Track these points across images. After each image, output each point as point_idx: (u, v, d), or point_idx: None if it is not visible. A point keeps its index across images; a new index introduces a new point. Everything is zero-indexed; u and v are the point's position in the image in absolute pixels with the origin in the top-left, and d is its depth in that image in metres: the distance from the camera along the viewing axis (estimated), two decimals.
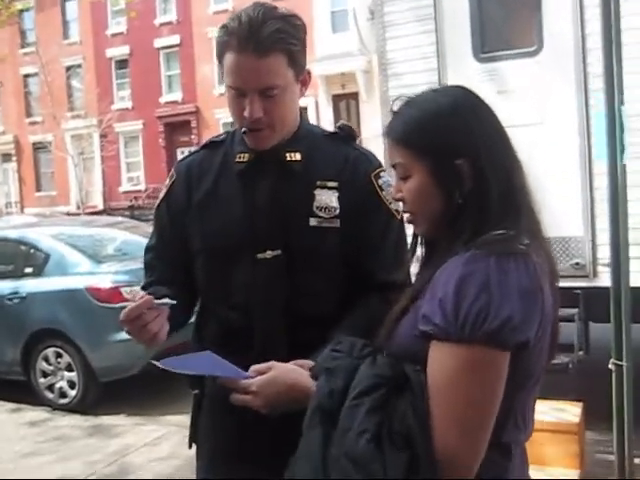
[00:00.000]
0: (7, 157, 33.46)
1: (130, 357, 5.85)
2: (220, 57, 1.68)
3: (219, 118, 27.47)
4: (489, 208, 1.24)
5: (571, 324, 4.38)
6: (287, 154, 1.73)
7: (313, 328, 1.62)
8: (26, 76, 31.87)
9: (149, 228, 9.44)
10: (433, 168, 1.27)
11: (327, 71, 24.72)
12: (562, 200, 4.73)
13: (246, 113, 1.64)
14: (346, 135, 1.83)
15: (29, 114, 32.28)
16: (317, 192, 1.71)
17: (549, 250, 1.30)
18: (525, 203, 1.29)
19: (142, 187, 29.13)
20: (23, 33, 31.64)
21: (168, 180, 1.87)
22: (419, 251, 1.44)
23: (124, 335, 5.89)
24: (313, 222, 1.70)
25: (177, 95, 28.85)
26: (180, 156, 28.73)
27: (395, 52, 5.13)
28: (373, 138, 26.26)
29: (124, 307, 5.69)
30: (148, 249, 1.90)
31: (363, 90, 24.44)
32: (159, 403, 5.94)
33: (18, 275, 6.51)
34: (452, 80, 4.97)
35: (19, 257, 6.75)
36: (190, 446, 1.94)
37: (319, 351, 1.38)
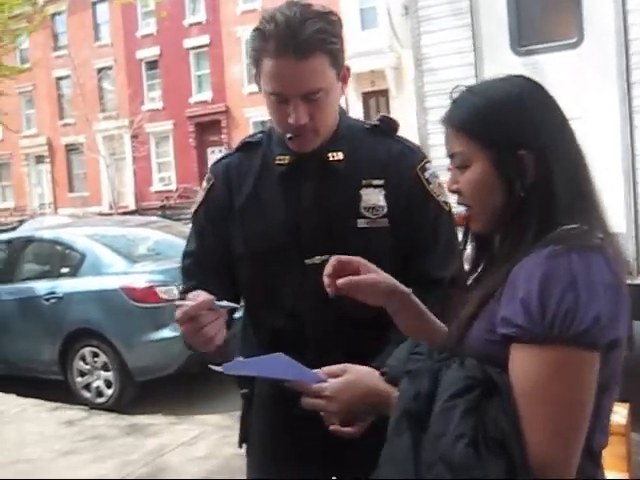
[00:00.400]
0: (40, 159, 33.94)
1: (166, 356, 5.87)
2: (256, 63, 1.60)
3: (249, 117, 27.57)
4: (555, 202, 1.18)
5: None
6: (329, 154, 1.66)
7: (366, 331, 1.57)
8: (59, 79, 32.30)
9: (182, 227, 9.51)
10: (495, 158, 1.21)
11: (357, 68, 24.60)
12: (604, 196, 4.63)
13: (291, 120, 1.56)
14: (387, 128, 1.74)
15: (62, 116, 32.71)
16: (363, 192, 1.65)
17: (618, 245, 1.24)
18: (593, 197, 1.23)
19: (173, 187, 29.35)
20: (55, 36, 32.05)
21: (205, 183, 1.80)
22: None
23: (160, 334, 5.94)
24: (361, 223, 1.64)
25: (207, 95, 29.00)
26: (211, 156, 28.97)
27: (430, 47, 5.06)
28: (404, 134, 26.39)
29: (159, 307, 5.70)
30: (187, 254, 1.84)
31: (393, 87, 24.33)
32: (195, 402, 5.94)
33: (54, 275, 6.57)
34: (489, 74, 4.89)
35: (55, 257, 6.82)
36: (240, 445, 1.90)
37: (381, 354, 1.33)
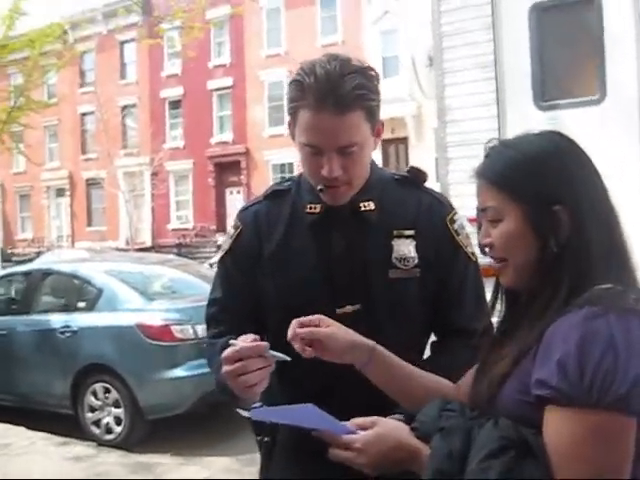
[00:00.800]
0: (61, 192, 34.33)
1: (178, 396, 5.85)
2: (293, 113, 1.60)
3: (268, 160, 27.83)
4: (589, 260, 1.18)
5: None
6: (361, 204, 1.66)
7: None
8: (83, 114, 32.84)
9: (198, 266, 9.51)
10: (530, 213, 1.21)
11: None
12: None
13: (324, 172, 1.57)
14: (416, 179, 1.75)
15: (84, 151, 33.17)
16: (395, 242, 1.65)
17: None
18: (626, 254, 1.23)
19: (190, 225, 29.53)
20: (82, 73, 32.68)
21: (233, 230, 1.78)
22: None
23: (173, 373, 5.94)
24: (393, 274, 1.64)
25: (228, 136, 29.34)
26: (229, 196, 29.20)
27: (454, 98, 5.13)
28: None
29: (174, 345, 5.68)
30: (213, 301, 1.82)
31: (413, 135, 24.55)
32: (204, 444, 5.87)
33: (70, 309, 6.61)
34: (512, 128, 4.94)
35: (72, 291, 6.86)
36: None
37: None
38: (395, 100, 24.01)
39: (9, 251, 28.92)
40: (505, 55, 4.97)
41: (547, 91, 4.89)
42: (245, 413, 1.27)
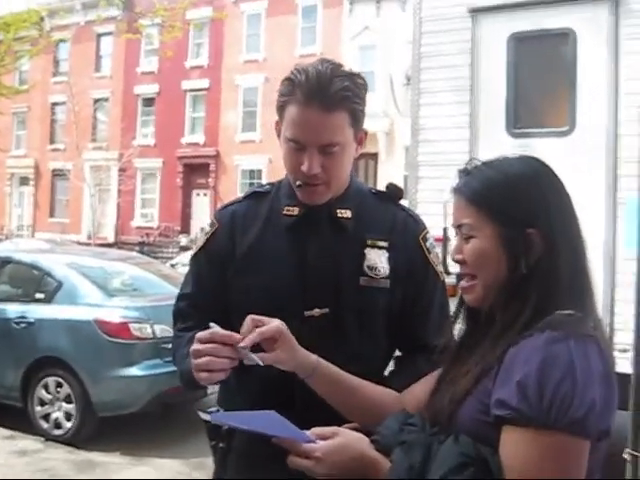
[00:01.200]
0: (25, 180, 33.79)
1: (131, 394, 5.79)
2: (281, 109, 1.66)
3: (238, 164, 27.78)
4: (557, 284, 1.21)
5: None
6: (338, 210, 1.71)
7: None
8: (54, 104, 32.41)
9: (160, 266, 9.42)
10: (503, 233, 1.25)
11: None
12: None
13: (304, 167, 1.62)
14: (394, 195, 1.81)
15: (52, 141, 32.73)
16: (367, 251, 1.69)
17: (606, 335, 1.27)
18: (589, 283, 1.27)
19: (154, 224, 29.29)
20: (57, 62, 32.30)
21: (208, 228, 1.83)
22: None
23: (128, 371, 5.88)
24: (363, 281, 1.68)
25: (199, 137, 29.23)
26: (196, 198, 29.04)
27: (428, 119, 5.20)
28: None
29: (131, 344, 5.65)
30: (183, 296, 1.85)
31: (383, 151, 24.71)
32: (155, 445, 5.82)
33: (28, 300, 6.49)
34: (483, 152, 5.02)
35: (31, 282, 6.75)
36: None
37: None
38: (368, 115, 23.80)
39: None
40: (481, 80, 5.05)
41: (519, 119, 4.98)
42: (205, 416, 1.27)
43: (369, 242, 1.70)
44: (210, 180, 28.48)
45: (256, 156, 27.30)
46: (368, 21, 25.14)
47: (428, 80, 5.23)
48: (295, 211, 1.72)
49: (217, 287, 1.75)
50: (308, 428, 1.28)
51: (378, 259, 1.69)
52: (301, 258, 1.69)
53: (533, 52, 5.04)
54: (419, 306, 1.73)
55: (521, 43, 4.99)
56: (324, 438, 1.24)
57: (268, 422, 1.25)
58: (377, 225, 1.73)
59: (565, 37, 4.90)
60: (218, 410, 1.68)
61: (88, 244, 24.32)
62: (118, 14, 25.51)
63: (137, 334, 5.82)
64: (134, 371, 5.77)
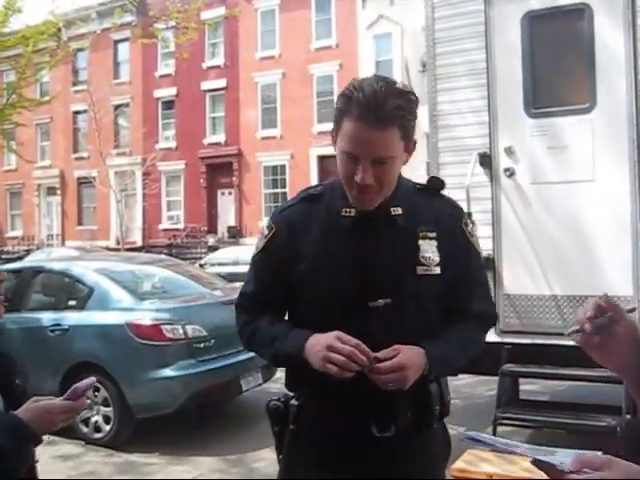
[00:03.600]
0: (52, 190, 34.23)
1: (167, 395, 5.86)
2: (338, 122, 1.78)
3: (260, 161, 27.87)
4: None
5: (618, 386, 4.28)
6: (391, 209, 1.85)
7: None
8: (76, 113, 32.78)
9: (189, 267, 9.49)
10: None
11: None
12: (611, 258, 4.68)
13: (357, 178, 1.74)
14: (437, 187, 1.97)
15: (76, 150, 33.11)
16: (420, 242, 1.85)
17: None
18: None
19: (181, 226, 29.49)
20: (76, 72, 32.61)
21: (267, 231, 1.95)
22: None
23: (162, 373, 5.96)
24: (420, 270, 1.84)
25: (220, 137, 29.35)
26: (220, 197, 29.19)
27: (446, 104, 5.17)
28: None
29: (163, 345, 5.81)
30: (244, 294, 2.00)
31: None
32: (193, 444, 5.89)
33: (61, 307, 6.61)
34: (503, 134, 4.99)
35: (63, 290, 6.86)
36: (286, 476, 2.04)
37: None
38: None
39: None
40: (497, 63, 5.01)
41: (538, 99, 4.93)
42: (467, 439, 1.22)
43: (421, 234, 1.85)
44: (234, 179, 28.60)
45: (278, 152, 27.36)
46: (382, 10, 25.01)
47: (444, 66, 5.20)
48: (352, 212, 1.85)
49: (279, 285, 1.91)
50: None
51: (430, 249, 1.85)
52: (362, 254, 1.83)
53: (548, 30, 4.98)
54: (470, 286, 1.93)
55: (535, 22, 4.94)
56: (593, 467, 1.07)
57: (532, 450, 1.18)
58: (426, 218, 1.88)
59: (580, 13, 4.84)
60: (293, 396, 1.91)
61: (117, 249, 24.63)
62: (133, 20, 25.72)
63: (169, 335, 5.89)
64: (168, 372, 5.84)
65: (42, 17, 20.74)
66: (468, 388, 7.22)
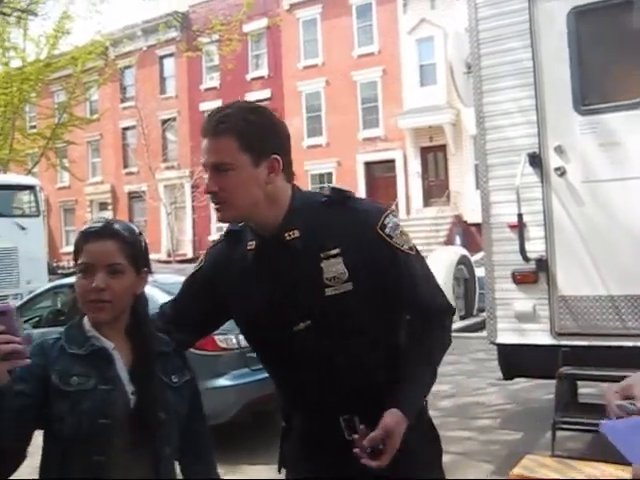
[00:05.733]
0: (104, 206, 34.94)
1: (221, 404, 5.88)
2: None
3: (307, 170, 27.97)
4: None
5: None
6: (286, 233, 1.82)
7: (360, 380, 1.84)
8: (125, 129, 33.44)
9: None
10: None
11: (415, 124, 24.87)
12: None
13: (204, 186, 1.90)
14: (339, 198, 1.88)
15: (126, 165, 33.75)
16: (323, 264, 1.80)
17: None
18: None
19: None
20: (124, 89, 33.29)
21: (198, 262, 2.07)
22: None
23: (216, 382, 5.98)
24: (329, 292, 1.80)
25: None
26: None
27: (493, 105, 5.10)
28: (462, 191, 25.98)
29: (216, 355, 5.88)
30: (168, 303, 2.09)
31: (451, 143, 24.44)
32: (247, 452, 5.91)
33: None
34: (552, 133, 4.90)
35: None
36: (279, 470, 2.12)
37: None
38: (433, 108, 23.97)
39: (54, 264, 29.50)
40: (543, 60, 4.92)
41: (587, 95, 4.83)
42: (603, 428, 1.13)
43: (322, 255, 1.81)
44: None
45: (324, 160, 27.44)
46: (423, 13, 24.92)
47: (489, 66, 5.14)
48: (253, 244, 1.87)
49: (192, 311, 2.01)
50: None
51: (334, 268, 1.80)
52: (269, 284, 1.84)
53: (596, 25, 4.88)
54: (404, 284, 1.85)
55: (582, 17, 4.84)
56: None
57: None
58: (327, 235, 1.83)
59: (629, 5, 4.73)
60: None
61: (168, 262, 24.97)
62: (177, 35, 26.15)
63: (222, 345, 5.92)
64: (222, 382, 5.86)
65: (89, 37, 21.27)
66: (524, 392, 7.11)
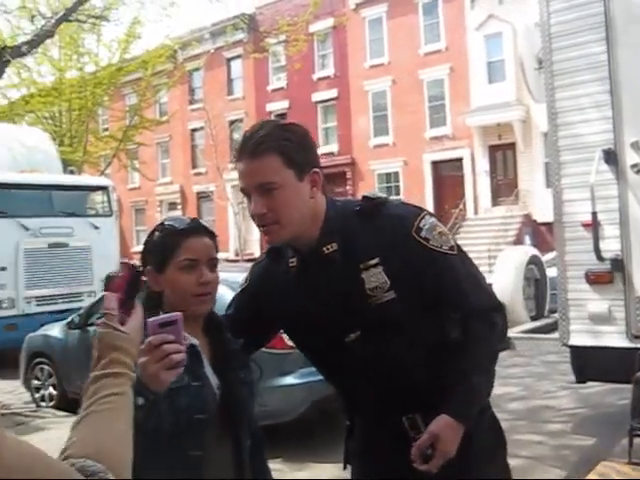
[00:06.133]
0: (173, 206, 35.64)
1: (289, 402, 5.93)
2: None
3: (374, 169, 27.93)
4: None
5: None
6: (324, 247, 1.84)
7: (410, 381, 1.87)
8: (193, 130, 34.03)
9: None
10: None
11: (483, 122, 24.50)
12: None
13: (250, 210, 1.84)
14: (372, 207, 1.88)
15: (194, 165, 34.34)
16: (364, 275, 1.81)
17: None
18: None
19: None
20: (192, 91, 33.89)
21: (243, 281, 2.08)
22: None
23: (284, 380, 6.05)
24: (372, 302, 1.81)
25: (333, 147, 29.60)
26: None
27: (565, 101, 4.98)
28: (531, 190, 25.43)
29: (285, 353, 5.94)
30: (226, 317, 2.07)
31: (520, 141, 23.96)
32: (313, 450, 5.93)
33: None
34: (629, 129, 4.75)
35: None
36: (345, 467, 2.16)
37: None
38: (502, 105, 23.55)
39: None
40: (619, 54, 4.77)
41: None
42: None
43: (362, 266, 1.82)
44: (348, 188, 28.75)
45: (391, 159, 27.32)
46: (491, 9, 24.49)
47: (561, 61, 5.02)
48: (294, 262, 1.89)
49: (246, 323, 2.02)
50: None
51: (375, 278, 1.81)
52: (316, 301, 1.86)
53: None
54: (446, 285, 1.84)
55: None
56: None
57: None
58: (365, 245, 1.83)
59: None
60: None
61: (236, 260, 25.28)
62: (244, 37, 26.48)
63: (290, 343, 5.93)
64: (290, 380, 5.90)
65: (159, 41, 21.73)
66: (597, 397, 6.91)
